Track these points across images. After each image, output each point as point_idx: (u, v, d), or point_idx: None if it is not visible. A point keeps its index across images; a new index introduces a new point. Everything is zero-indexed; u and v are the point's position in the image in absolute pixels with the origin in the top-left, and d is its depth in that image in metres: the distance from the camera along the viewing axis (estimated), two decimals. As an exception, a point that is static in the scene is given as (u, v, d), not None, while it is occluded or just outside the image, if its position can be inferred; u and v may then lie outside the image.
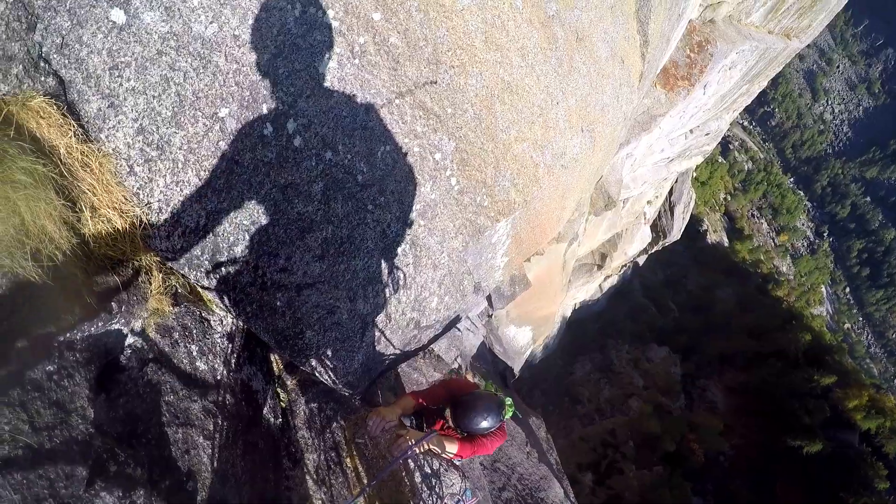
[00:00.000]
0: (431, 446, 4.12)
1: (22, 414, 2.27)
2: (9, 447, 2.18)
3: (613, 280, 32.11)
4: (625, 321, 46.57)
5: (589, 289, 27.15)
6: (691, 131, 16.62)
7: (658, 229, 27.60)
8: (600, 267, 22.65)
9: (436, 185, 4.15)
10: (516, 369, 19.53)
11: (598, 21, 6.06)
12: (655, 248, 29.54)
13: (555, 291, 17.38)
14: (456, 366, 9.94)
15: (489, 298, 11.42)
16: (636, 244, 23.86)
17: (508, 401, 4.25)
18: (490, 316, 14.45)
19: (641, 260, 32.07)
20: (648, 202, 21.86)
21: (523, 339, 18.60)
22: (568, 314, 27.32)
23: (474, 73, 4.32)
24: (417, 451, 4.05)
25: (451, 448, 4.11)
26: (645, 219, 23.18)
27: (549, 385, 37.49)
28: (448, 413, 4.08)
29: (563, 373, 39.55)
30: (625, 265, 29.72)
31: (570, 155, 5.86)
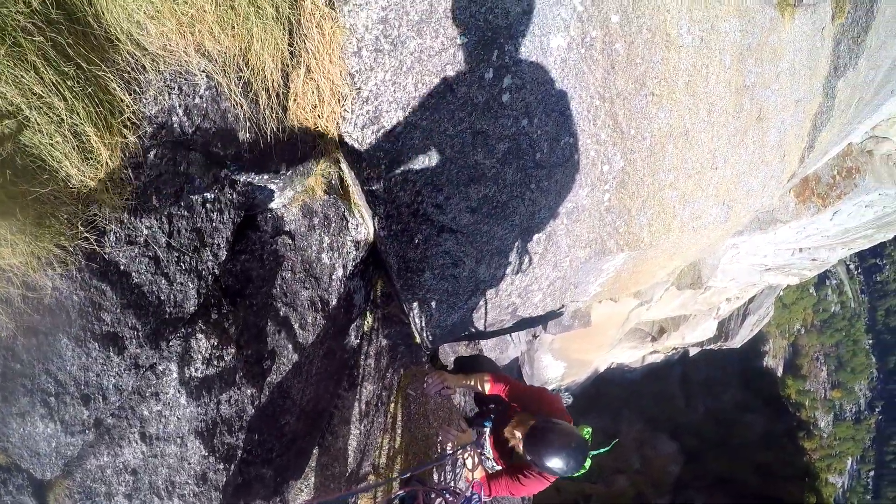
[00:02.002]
0: (466, 458, 3.96)
1: (165, 225, 2.41)
2: (138, 251, 2.33)
3: (658, 357, 31.48)
4: (649, 401, 45.72)
5: (633, 355, 26.78)
6: (800, 250, 16.19)
7: (723, 329, 27.01)
8: (654, 339, 22.35)
9: (591, 193, 4.27)
10: (534, 397, 19.39)
11: (782, 109, 6.08)
12: (711, 346, 28.92)
13: (603, 342, 17.26)
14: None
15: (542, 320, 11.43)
16: (697, 333, 23.41)
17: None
18: (535, 336, 14.47)
19: (693, 351, 31.43)
20: (727, 299, 21.40)
21: (554, 372, 18.55)
22: (602, 369, 27.01)
23: (665, 108, 4.43)
24: (459, 458, 3.96)
25: (477, 474, 3.83)
26: (716, 314, 22.71)
27: (552, 426, 36.99)
28: (517, 425, 3.42)
29: (568, 420, 38.99)
30: (676, 349, 29.14)
31: (702, 221, 5.89)
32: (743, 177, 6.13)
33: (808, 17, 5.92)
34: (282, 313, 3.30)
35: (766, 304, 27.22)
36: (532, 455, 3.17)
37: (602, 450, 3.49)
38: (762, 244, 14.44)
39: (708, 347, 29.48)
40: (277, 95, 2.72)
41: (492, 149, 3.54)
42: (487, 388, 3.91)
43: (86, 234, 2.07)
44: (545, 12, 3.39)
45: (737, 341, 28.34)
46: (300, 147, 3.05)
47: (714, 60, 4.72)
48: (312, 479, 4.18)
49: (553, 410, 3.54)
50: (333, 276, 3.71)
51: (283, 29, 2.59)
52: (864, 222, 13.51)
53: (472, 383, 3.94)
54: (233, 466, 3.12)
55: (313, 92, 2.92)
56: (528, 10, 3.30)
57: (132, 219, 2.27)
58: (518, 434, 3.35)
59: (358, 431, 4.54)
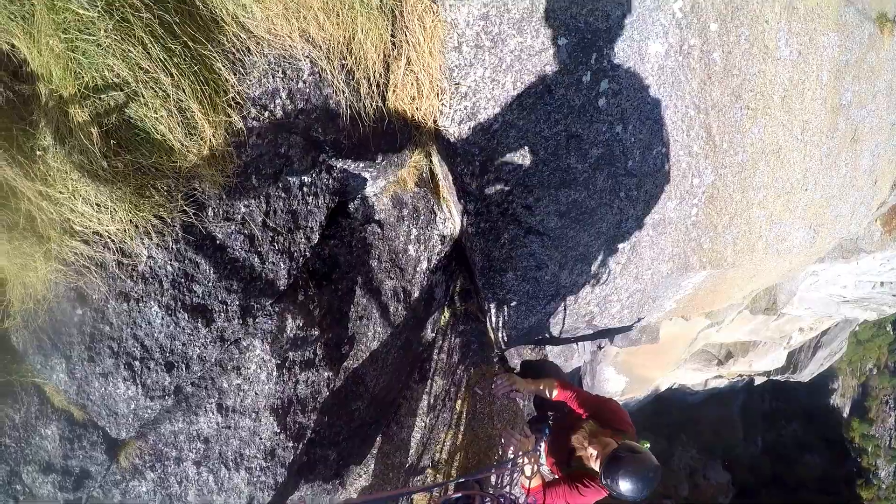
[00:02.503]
0: (525, 465, 3.74)
1: (262, 204, 2.47)
2: (234, 228, 2.38)
3: (722, 383, 30.60)
4: (707, 427, 44.38)
5: (696, 377, 26.07)
6: (882, 284, 15.56)
7: (792, 360, 26.08)
8: (721, 364, 21.72)
9: (679, 206, 4.17)
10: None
11: (877, 131, 5.86)
12: (778, 377, 27.96)
13: (669, 361, 16.90)
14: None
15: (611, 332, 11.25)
16: (765, 362, 22.71)
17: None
18: (601, 348, 14.26)
19: (759, 380, 30.39)
20: (801, 329, 20.68)
21: (615, 386, 18.22)
22: (663, 388, 26.42)
23: (760, 123, 4.32)
24: (518, 464, 3.88)
25: (533, 483, 3.62)
26: (787, 343, 21.98)
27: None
28: (592, 438, 3.34)
29: (623, 437, 38.22)
30: (742, 375, 28.26)
31: (788, 243, 5.71)
32: (833, 200, 5.92)
33: (907, 34, 5.72)
34: (365, 300, 3.34)
35: (839, 338, 26.18)
36: (608, 476, 3.11)
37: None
38: (843, 274, 13.98)
39: (774, 378, 28.50)
40: (378, 85, 2.76)
41: (585, 153, 3.50)
42: (555, 394, 3.80)
43: (185, 207, 2.13)
44: (644, 17, 3.34)
45: (805, 375, 27.36)
46: (397, 137, 3.08)
47: (811, 76, 4.58)
48: (372, 465, 4.21)
49: (622, 422, 3.50)
50: (418, 269, 3.73)
51: (387, 20, 2.63)
52: (954, 260, 12.96)
53: (541, 388, 3.84)
54: (301, 445, 3.16)
55: (412, 84, 2.95)
56: (628, 14, 3.27)
57: (231, 196, 2.33)
58: (591, 450, 3.29)
59: (423, 424, 4.54)
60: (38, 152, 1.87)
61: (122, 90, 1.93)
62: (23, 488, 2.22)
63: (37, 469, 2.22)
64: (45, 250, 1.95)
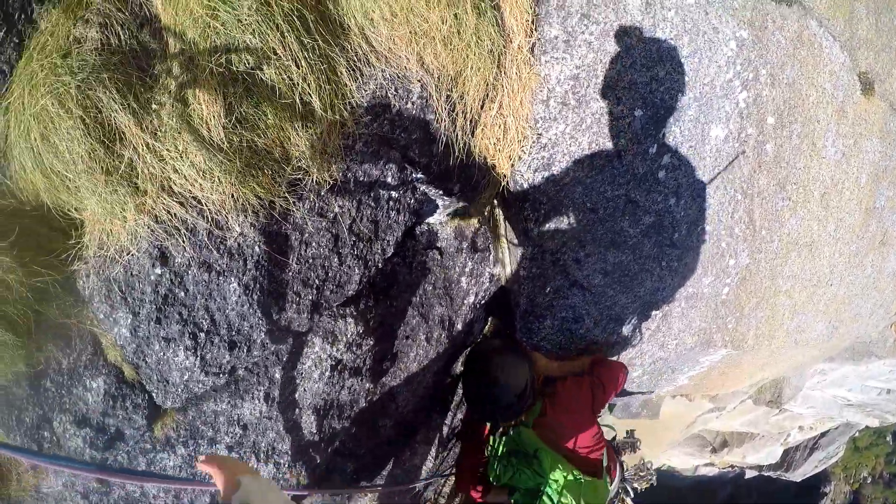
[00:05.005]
0: None
1: (353, 209, 2.57)
2: (325, 225, 2.49)
3: (712, 471, 30.10)
4: (690, 515, 43.52)
5: (687, 462, 25.68)
6: (889, 391, 15.56)
7: (787, 458, 25.81)
8: (715, 451, 21.51)
9: (713, 283, 4.30)
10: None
11: (906, 238, 6.12)
12: (770, 473, 27.64)
13: (663, 439, 16.76)
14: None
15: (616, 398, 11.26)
16: (760, 456, 22.41)
17: None
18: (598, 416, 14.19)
19: (750, 474, 29.96)
20: (800, 427, 20.50)
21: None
22: (651, 468, 26.21)
23: (799, 215, 4.52)
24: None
25: None
26: (785, 440, 21.80)
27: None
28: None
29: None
30: (733, 466, 27.89)
31: (805, 336, 5.86)
32: (854, 299, 6.10)
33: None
34: (414, 322, 3.43)
35: (838, 441, 25.90)
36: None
37: None
38: (850, 376, 13.99)
39: (766, 473, 28.15)
40: (471, 121, 2.92)
41: (638, 219, 3.66)
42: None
43: (286, 194, 2.20)
44: (712, 103, 3.55)
45: (798, 475, 26.94)
46: (476, 173, 3.24)
47: (851, 177, 4.81)
48: (380, 486, 4.20)
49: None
50: (466, 301, 3.84)
51: (493, 63, 2.81)
52: (960, 382, 13.02)
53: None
54: (329, 450, 3.21)
55: (500, 126, 3.12)
56: (698, 98, 3.48)
57: (330, 194, 2.42)
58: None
59: (435, 455, 4.62)
60: (153, 106, 1.93)
61: (253, 68, 2.01)
62: (51, 436, 2.24)
63: (71, 420, 2.24)
64: (140, 202, 2.00)
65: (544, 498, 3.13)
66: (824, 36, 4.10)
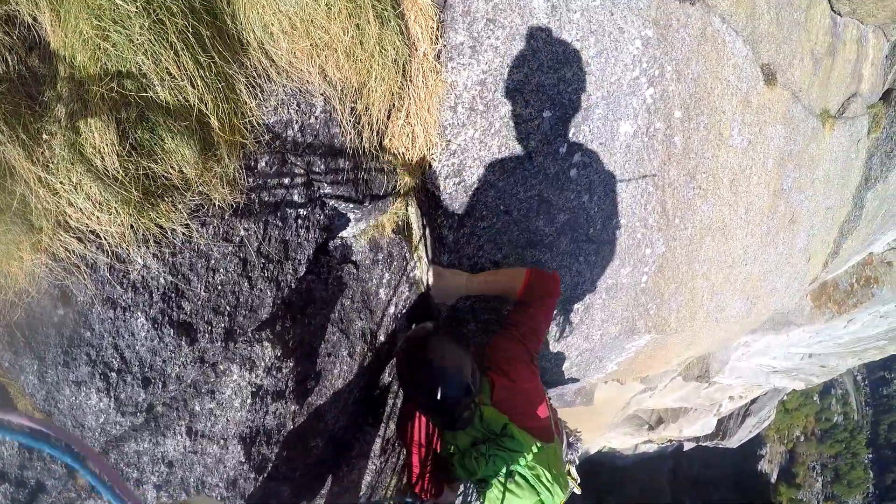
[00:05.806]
0: None
1: (259, 230, 2.45)
2: (231, 249, 2.35)
3: (652, 447, 31.02)
4: (635, 491, 44.74)
5: (626, 441, 26.38)
6: (810, 355, 16.27)
7: (721, 427, 26.79)
8: (651, 429, 22.10)
9: (631, 273, 4.41)
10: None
11: (813, 214, 6.42)
12: (707, 443, 28.64)
13: (600, 423, 17.10)
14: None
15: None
16: (695, 428, 23.18)
17: None
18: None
19: (688, 446, 31.06)
20: (731, 397, 21.28)
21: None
22: (593, 451, 26.74)
23: (710, 202, 4.70)
24: None
25: None
26: (717, 411, 22.58)
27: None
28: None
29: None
30: (671, 440, 28.78)
31: (725, 313, 6.10)
32: (769, 275, 6.39)
33: (846, 129, 6.32)
34: (335, 338, 3.32)
35: (768, 406, 27.04)
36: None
37: None
38: (774, 345, 14.55)
39: (704, 444, 29.16)
40: (377, 132, 2.86)
41: (553, 218, 3.70)
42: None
43: (188, 221, 2.08)
44: (620, 100, 3.63)
45: (734, 441, 28.04)
46: (386, 184, 3.18)
47: (758, 162, 5.04)
48: None
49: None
50: (386, 312, 3.77)
51: (398, 72, 2.75)
52: (877, 332, 13.61)
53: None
54: (261, 478, 3.09)
55: (408, 135, 3.09)
56: (606, 97, 3.54)
57: (233, 218, 2.30)
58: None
59: (374, 467, 4.52)
60: (44, 136, 1.79)
61: (146, 91, 1.89)
62: (-32, 495, 2.04)
63: (-13, 477, 2.04)
64: (35, 241, 1.85)
65: (517, 478, 2.98)
66: (727, 31, 4.26)
